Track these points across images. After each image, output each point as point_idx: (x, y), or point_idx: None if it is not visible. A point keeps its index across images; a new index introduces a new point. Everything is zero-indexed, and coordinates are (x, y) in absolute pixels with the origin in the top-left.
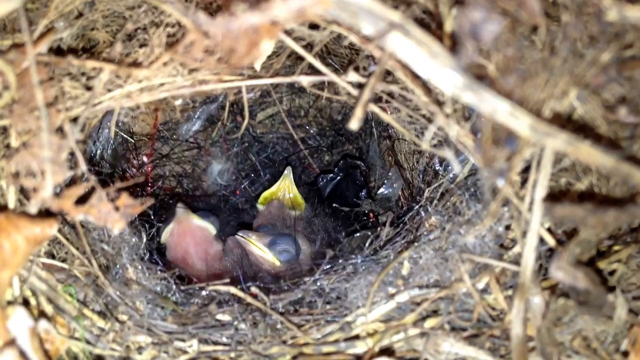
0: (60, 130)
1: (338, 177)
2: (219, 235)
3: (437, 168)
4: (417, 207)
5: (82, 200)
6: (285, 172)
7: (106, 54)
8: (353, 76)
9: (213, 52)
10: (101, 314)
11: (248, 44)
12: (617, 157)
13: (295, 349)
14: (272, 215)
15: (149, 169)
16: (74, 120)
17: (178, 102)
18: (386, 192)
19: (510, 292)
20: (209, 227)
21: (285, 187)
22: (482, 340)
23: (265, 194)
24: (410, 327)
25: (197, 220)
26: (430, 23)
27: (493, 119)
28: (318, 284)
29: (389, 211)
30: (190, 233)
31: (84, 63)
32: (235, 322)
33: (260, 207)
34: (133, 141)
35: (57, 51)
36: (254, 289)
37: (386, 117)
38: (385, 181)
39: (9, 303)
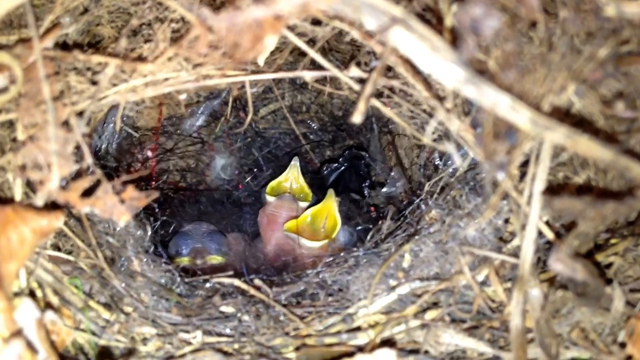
0: (66, 124)
1: (342, 167)
2: (229, 252)
3: (437, 162)
4: (417, 200)
5: (88, 193)
6: (293, 162)
7: (111, 49)
8: (355, 71)
9: (217, 47)
10: (106, 305)
11: (252, 38)
12: (615, 151)
13: (298, 340)
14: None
15: (153, 163)
16: (80, 114)
17: (183, 97)
18: (389, 191)
19: (509, 284)
20: (221, 259)
21: (293, 177)
22: (481, 332)
23: (273, 183)
24: (411, 319)
25: (212, 261)
26: (431, 19)
27: (494, 112)
28: (320, 276)
29: (390, 205)
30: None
31: (90, 58)
32: (239, 314)
33: (268, 197)
34: (137, 135)
35: (63, 46)
36: (257, 281)
37: (387, 112)
38: (389, 181)
39: (16, 294)
